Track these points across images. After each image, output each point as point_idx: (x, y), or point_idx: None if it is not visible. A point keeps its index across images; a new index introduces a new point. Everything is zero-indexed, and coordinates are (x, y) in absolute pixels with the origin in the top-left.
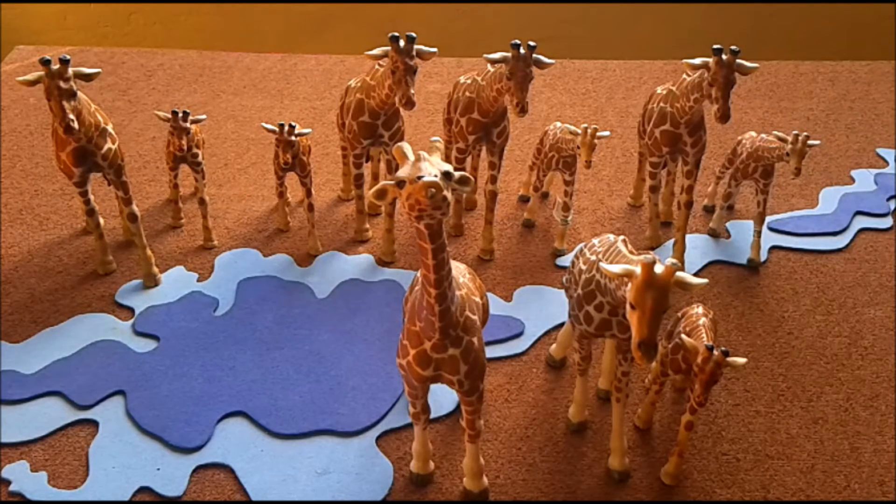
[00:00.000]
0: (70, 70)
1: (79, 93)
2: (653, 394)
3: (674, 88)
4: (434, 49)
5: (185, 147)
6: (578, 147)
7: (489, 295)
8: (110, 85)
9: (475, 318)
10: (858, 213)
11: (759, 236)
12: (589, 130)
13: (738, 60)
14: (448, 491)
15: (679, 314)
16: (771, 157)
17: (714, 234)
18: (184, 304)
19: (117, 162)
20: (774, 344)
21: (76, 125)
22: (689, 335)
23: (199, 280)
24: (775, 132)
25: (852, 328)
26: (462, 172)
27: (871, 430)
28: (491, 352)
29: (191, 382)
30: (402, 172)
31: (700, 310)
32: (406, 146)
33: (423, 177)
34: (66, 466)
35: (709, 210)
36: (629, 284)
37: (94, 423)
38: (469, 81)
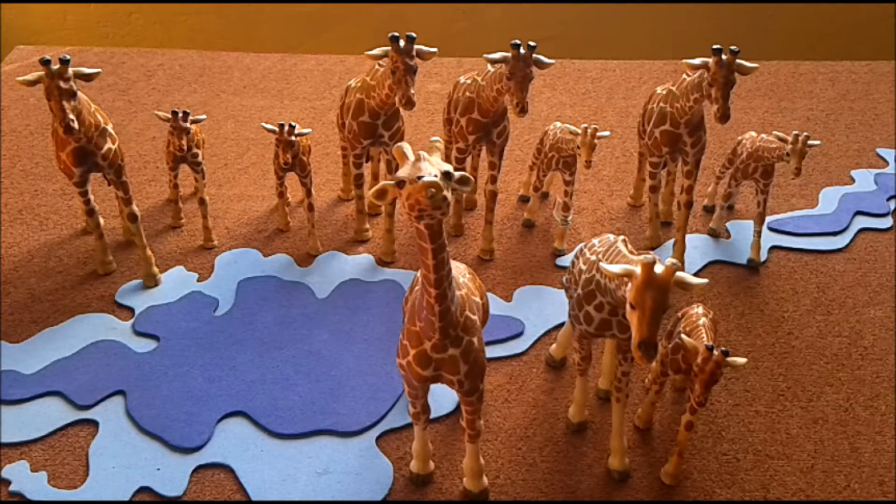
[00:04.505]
0: (70, 70)
1: (79, 93)
2: (653, 394)
3: (674, 88)
4: (434, 49)
5: (185, 147)
6: (578, 147)
7: (489, 295)
8: (110, 85)
9: (475, 318)
10: (858, 213)
11: (759, 236)
12: (589, 130)
13: (738, 60)
14: (448, 491)
15: (679, 314)
16: (771, 157)
17: (714, 234)
18: (184, 304)
19: (117, 162)
20: (774, 344)
21: (76, 125)
22: (689, 335)
23: (199, 280)
24: (775, 132)
25: (852, 328)
26: (462, 172)
27: (871, 430)
28: (491, 352)
29: (191, 382)
30: (402, 172)
31: (700, 310)
32: (406, 146)
33: (423, 177)
34: (66, 466)
35: (709, 210)
36: (629, 284)
37: (94, 423)
38: (469, 81)
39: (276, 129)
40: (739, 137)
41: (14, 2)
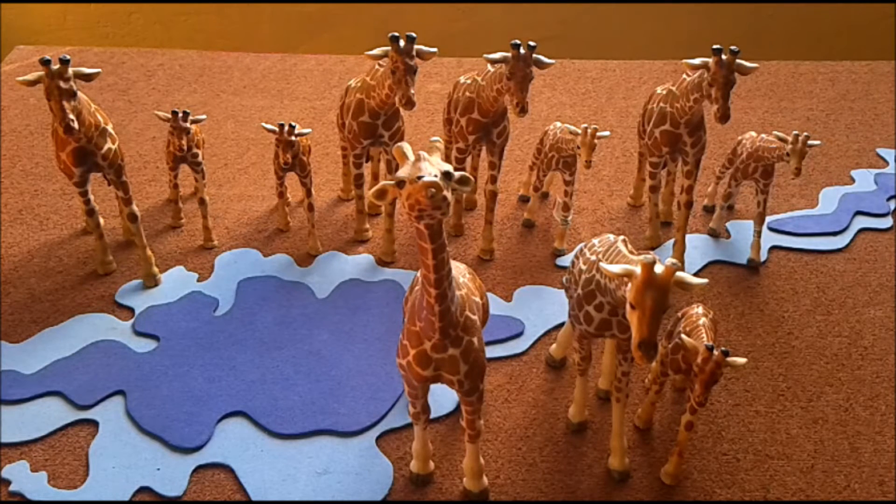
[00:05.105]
0: (70, 70)
1: (79, 93)
2: (653, 394)
3: (674, 88)
4: (434, 49)
5: (185, 147)
6: (578, 147)
7: (489, 295)
8: (110, 85)
9: (475, 318)
10: (858, 213)
11: (759, 236)
12: (589, 130)
13: (738, 60)
14: (448, 491)
15: (679, 314)
16: (771, 157)
17: (714, 234)
18: (184, 304)
19: (117, 162)
20: (774, 344)
21: (76, 125)
22: (689, 335)
23: (199, 280)
24: (775, 132)
25: (852, 328)
26: (462, 172)
27: (871, 430)
28: (491, 352)
29: (191, 382)
30: (402, 172)
31: (700, 310)
32: (406, 146)
33: (423, 177)
34: (66, 466)
35: (709, 210)
36: (629, 284)
37: (94, 423)
38: (469, 81)
39: (276, 129)
40: (739, 137)
41: (14, 1)
